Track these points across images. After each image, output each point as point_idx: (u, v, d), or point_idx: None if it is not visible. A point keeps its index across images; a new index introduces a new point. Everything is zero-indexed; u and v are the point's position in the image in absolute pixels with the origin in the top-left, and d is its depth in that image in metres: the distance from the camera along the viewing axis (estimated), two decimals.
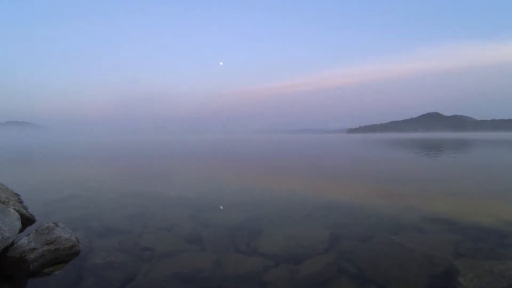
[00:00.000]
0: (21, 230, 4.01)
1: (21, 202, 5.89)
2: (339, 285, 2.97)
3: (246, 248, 3.86)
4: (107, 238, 4.23)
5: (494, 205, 5.84)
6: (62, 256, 3.46)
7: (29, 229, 4.41)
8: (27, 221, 4.72)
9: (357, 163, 15.49)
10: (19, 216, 3.93)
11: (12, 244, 3.34)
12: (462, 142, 38.91)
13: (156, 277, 3.13)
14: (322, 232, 4.33)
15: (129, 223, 4.95)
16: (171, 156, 23.65)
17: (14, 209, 4.26)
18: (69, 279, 3.14)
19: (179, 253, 3.72)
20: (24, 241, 3.33)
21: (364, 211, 5.47)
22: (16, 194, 6.47)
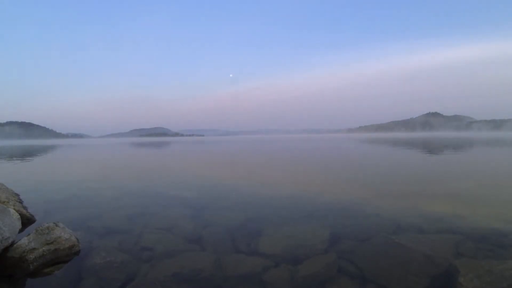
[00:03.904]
0: (21, 230, 4.01)
1: (21, 202, 5.89)
2: (339, 285, 2.97)
3: (246, 248, 3.86)
4: (107, 238, 4.23)
5: (494, 205, 5.84)
6: (62, 256, 3.47)
7: (29, 229, 4.42)
8: (27, 221, 4.73)
9: (356, 163, 15.49)
10: (19, 216, 3.94)
11: (12, 244, 3.34)
12: (461, 142, 38.90)
13: (156, 277, 3.13)
14: (322, 232, 4.32)
15: (129, 223, 4.96)
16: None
17: (14, 209, 4.27)
18: (69, 279, 3.14)
19: (179, 253, 3.72)
20: (24, 241, 3.33)
21: (364, 211, 5.47)
22: (16, 194, 6.48)
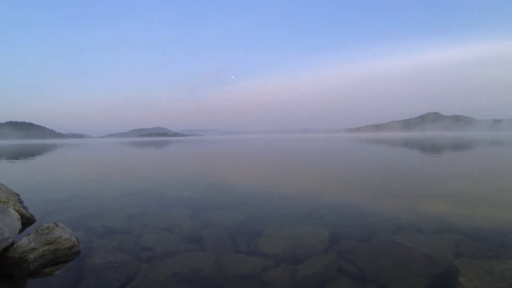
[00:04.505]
0: (21, 230, 4.01)
1: (21, 202, 5.90)
2: (339, 285, 2.97)
3: (246, 248, 3.86)
4: (107, 238, 4.23)
5: (494, 205, 5.84)
6: (62, 256, 3.47)
7: (29, 229, 4.43)
8: (27, 221, 4.73)
9: (356, 163, 15.49)
10: (19, 216, 3.94)
11: (12, 244, 3.34)
12: (461, 141, 38.90)
13: (156, 277, 3.14)
14: (322, 232, 4.33)
15: (129, 223, 4.96)
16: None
17: (14, 209, 4.27)
18: (69, 279, 3.14)
19: (179, 253, 3.72)
20: (24, 241, 3.33)
21: (364, 211, 5.47)
22: (16, 194, 6.49)
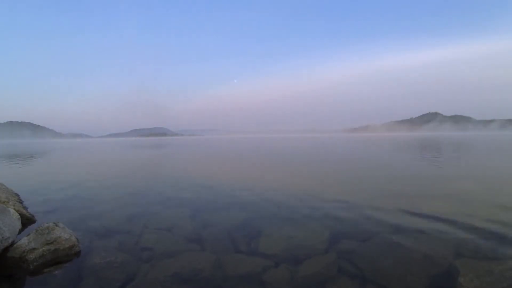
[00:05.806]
0: (21, 230, 4.02)
1: (21, 202, 5.90)
2: (339, 285, 2.97)
3: (246, 248, 3.87)
4: (107, 238, 4.23)
5: (494, 205, 5.83)
6: (62, 256, 3.47)
7: (29, 229, 4.43)
8: (27, 221, 4.73)
9: (356, 163, 15.49)
10: (19, 216, 3.94)
11: (12, 244, 3.34)
12: (461, 141, 38.90)
13: (156, 277, 3.14)
14: (322, 232, 4.33)
15: (129, 223, 4.96)
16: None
17: (14, 209, 4.27)
18: (69, 279, 3.14)
19: (179, 253, 3.73)
20: (24, 241, 3.33)
21: (364, 211, 5.47)
22: (16, 194, 6.49)
